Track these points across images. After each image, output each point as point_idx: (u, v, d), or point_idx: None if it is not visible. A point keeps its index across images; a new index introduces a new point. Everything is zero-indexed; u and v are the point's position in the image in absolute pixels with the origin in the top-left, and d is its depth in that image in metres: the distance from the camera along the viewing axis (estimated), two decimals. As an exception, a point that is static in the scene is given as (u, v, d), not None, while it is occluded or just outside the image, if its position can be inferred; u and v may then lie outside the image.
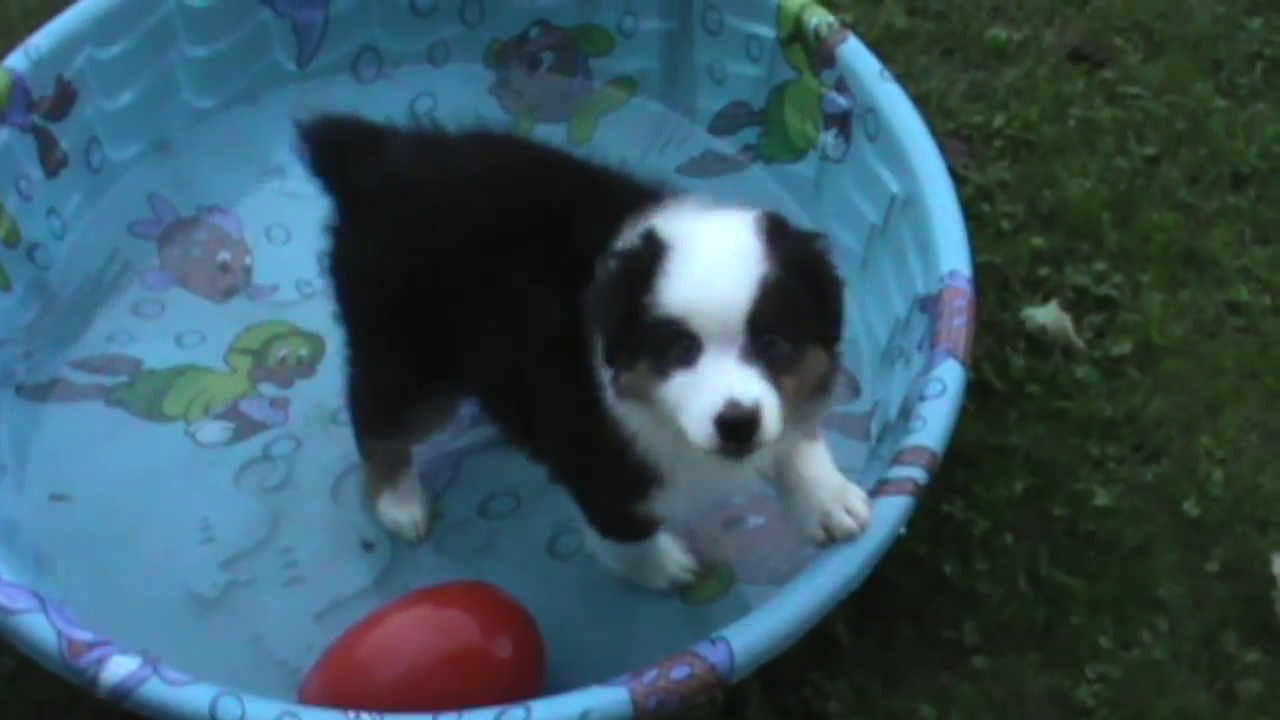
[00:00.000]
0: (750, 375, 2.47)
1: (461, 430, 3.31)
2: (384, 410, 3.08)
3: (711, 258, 2.50)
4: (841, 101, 3.53)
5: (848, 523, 2.79)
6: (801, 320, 2.53)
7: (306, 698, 2.82)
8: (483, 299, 2.79)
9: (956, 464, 3.09)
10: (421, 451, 3.26)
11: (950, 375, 3.01)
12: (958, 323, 3.08)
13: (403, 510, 3.19)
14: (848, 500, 2.81)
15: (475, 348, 2.85)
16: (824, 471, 2.82)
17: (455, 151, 2.94)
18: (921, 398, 2.99)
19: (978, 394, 3.23)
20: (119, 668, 2.65)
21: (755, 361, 2.48)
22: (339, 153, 3.02)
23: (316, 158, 3.05)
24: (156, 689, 2.64)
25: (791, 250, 2.54)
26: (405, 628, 2.91)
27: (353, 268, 2.98)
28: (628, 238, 2.59)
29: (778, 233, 2.55)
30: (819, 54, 3.57)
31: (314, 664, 2.89)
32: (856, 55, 3.53)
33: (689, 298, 2.48)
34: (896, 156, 3.37)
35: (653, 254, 2.51)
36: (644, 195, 2.74)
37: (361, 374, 3.08)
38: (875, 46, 3.65)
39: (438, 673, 2.83)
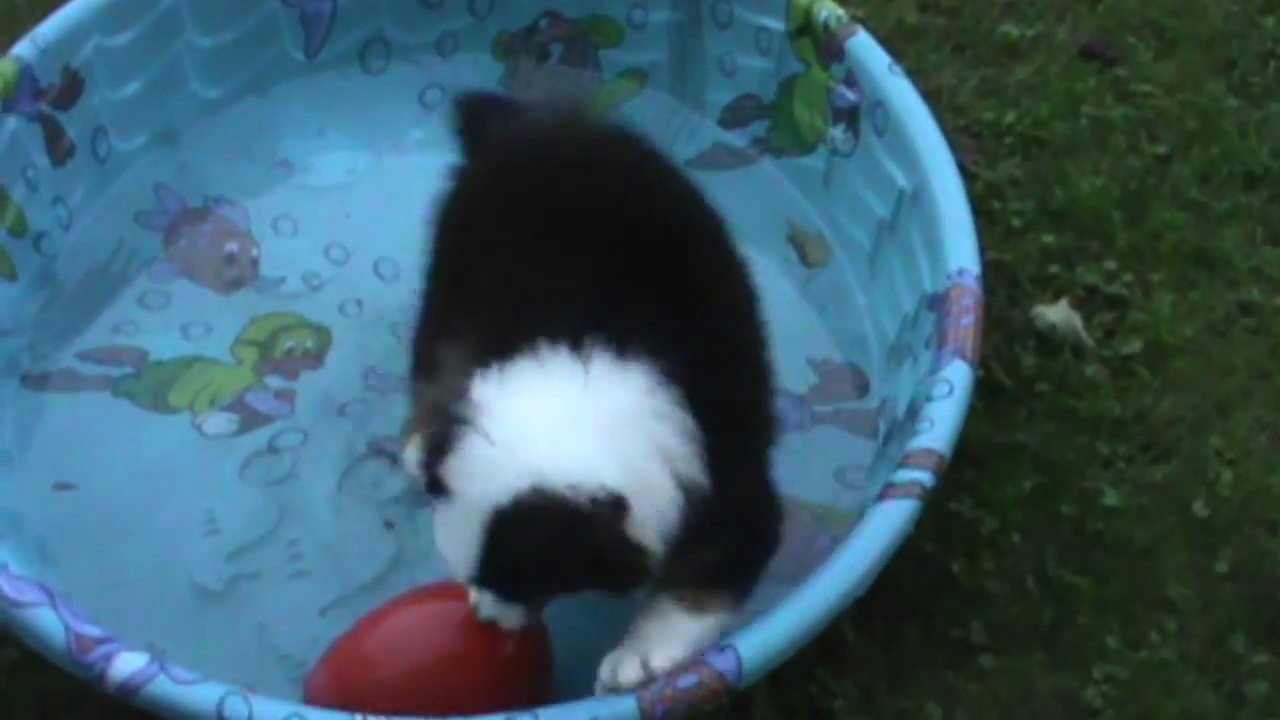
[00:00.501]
0: (486, 598, 2.65)
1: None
2: (424, 350, 3.01)
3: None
4: (850, 95, 3.51)
5: (626, 675, 2.71)
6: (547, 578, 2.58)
7: (311, 692, 2.81)
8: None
9: (964, 462, 3.07)
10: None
11: (958, 376, 2.99)
12: (965, 322, 3.07)
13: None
14: (647, 655, 2.73)
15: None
16: (659, 627, 2.76)
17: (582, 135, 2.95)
18: (929, 399, 2.98)
19: (986, 392, 3.21)
20: (126, 664, 2.64)
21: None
22: (484, 112, 3.11)
23: (463, 117, 3.12)
24: (164, 687, 2.63)
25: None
26: (411, 624, 2.89)
27: (447, 202, 2.97)
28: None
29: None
30: (828, 47, 3.55)
31: (319, 658, 2.87)
32: (865, 49, 3.52)
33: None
34: (905, 151, 3.36)
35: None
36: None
37: (420, 310, 3.05)
38: (886, 42, 3.63)
39: (442, 670, 2.81)
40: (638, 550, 2.51)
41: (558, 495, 2.47)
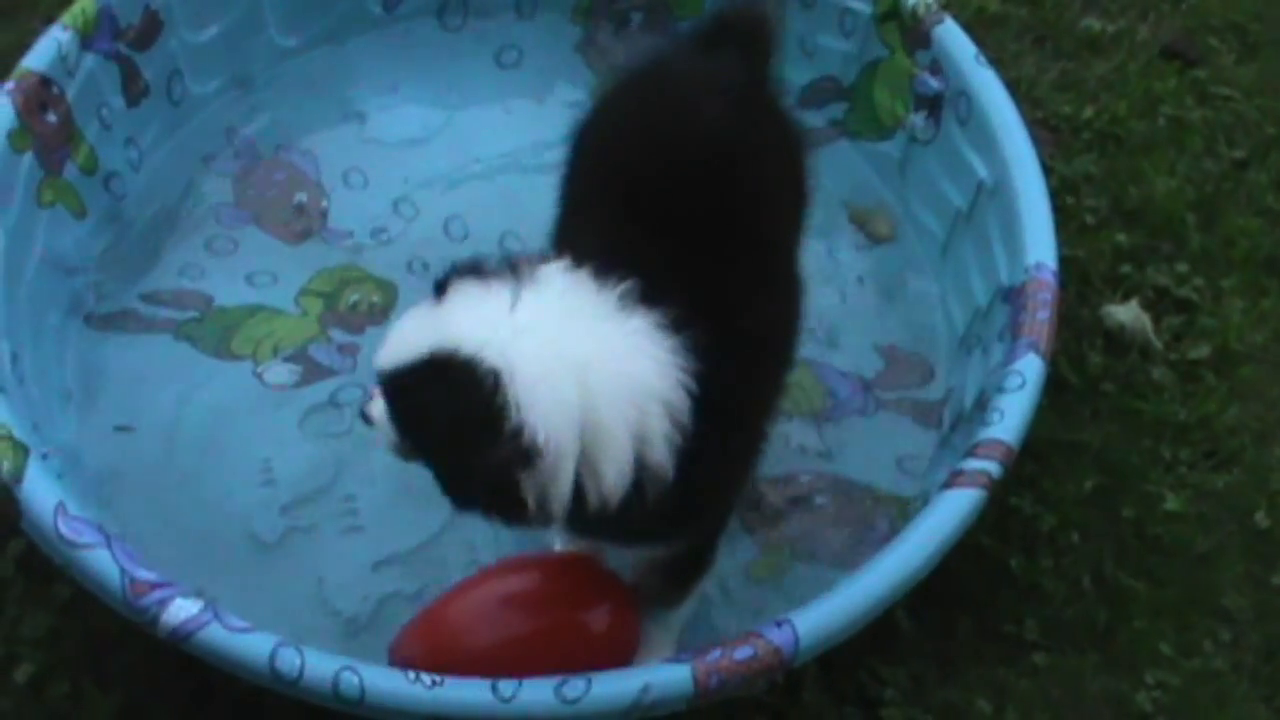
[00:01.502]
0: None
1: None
2: None
3: None
4: (934, 83, 3.48)
5: None
6: None
7: (398, 659, 2.79)
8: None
9: (1027, 457, 3.04)
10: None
11: (1031, 369, 2.97)
12: (1041, 316, 3.04)
13: None
14: None
15: None
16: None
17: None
18: (1000, 390, 2.96)
19: (1052, 388, 3.18)
20: (180, 610, 2.63)
21: None
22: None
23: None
24: (217, 634, 2.61)
25: None
26: (501, 596, 2.87)
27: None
28: None
29: None
30: (914, 34, 3.52)
31: (406, 625, 2.85)
32: (952, 38, 3.49)
33: None
34: (987, 143, 3.33)
35: None
36: None
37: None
38: (966, 29, 3.59)
39: (532, 644, 2.79)
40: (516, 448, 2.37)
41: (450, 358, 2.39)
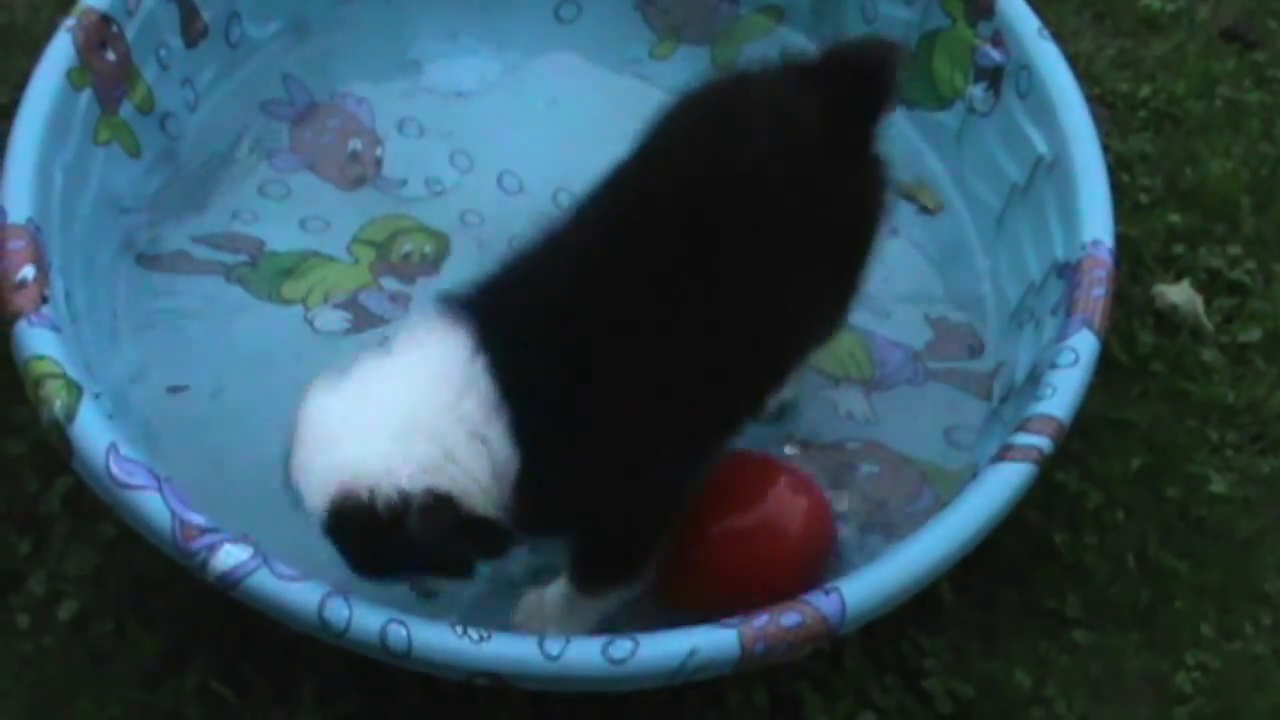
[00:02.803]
0: None
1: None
2: None
3: None
4: (995, 55, 3.46)
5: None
6: None
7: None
8: None
9: (1074, 434, 3.02)
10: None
11: (1084, 346, 2.97)
12: (1097, 293, 3.04)
13: None
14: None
15: None
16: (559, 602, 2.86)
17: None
18: (1053, 366, 2.95)
19: (1102, 366, 3.15)
20: (230, 556, 2.63)
21: None
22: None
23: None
24: (266, 581, 2.62)
25: None
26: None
27: None
28: None
29: None
30: (977, 5, 3.50)
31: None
32: (1016, 10, 3.46)
33: None
34: (1047, 117, 3.31)
35: None
36: None
37: None
38: (1028, 2, 3.57)
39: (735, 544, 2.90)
40: (456, 533, 2.57)
41: (360, 499, 2.55)
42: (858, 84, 2.83)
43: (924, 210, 3.57)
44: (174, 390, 3.22)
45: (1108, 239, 3.11)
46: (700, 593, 2.87)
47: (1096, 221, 3.14)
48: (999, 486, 2.79)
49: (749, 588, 2.77)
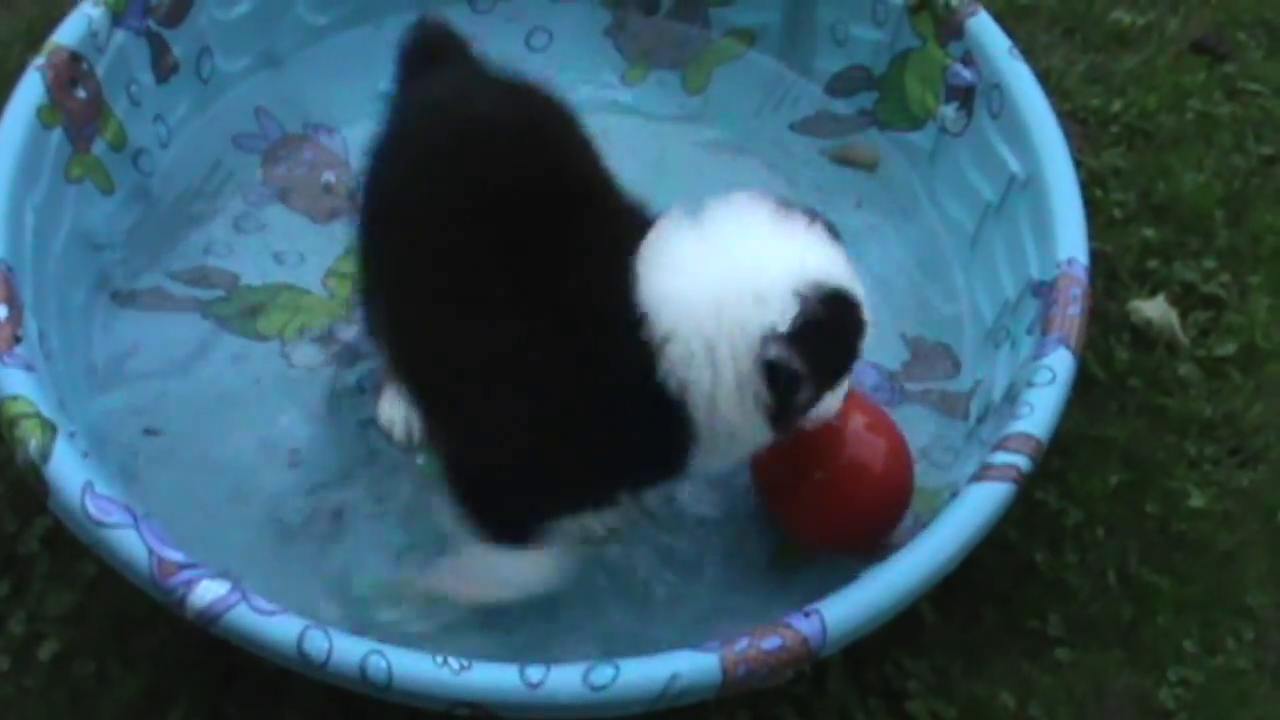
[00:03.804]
0: None
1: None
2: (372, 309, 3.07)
3: None
4: (967, 75, 3.47)
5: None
6: None
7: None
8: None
9: (1053, 451, 3.03)
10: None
11: (1061, 364, 2.97)
12: (1072, 311, 3.04)
13: (396, 409, 3.14)
14: None
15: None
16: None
17: (489, 104, 2.87)
18: (1030, 384, 2.96)
19: (1079, 383, 3.16)
20: (208, 591, 2.62)
21: None
22: (417, 57, 3.01)
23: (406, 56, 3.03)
24: (244, 616, 2.60)
25: None
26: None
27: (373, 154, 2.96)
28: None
29: None
30: (947, 25, 3.51)
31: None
32: (986, 30, 3.47)
33: None
34: (1020, 136, 3.32)
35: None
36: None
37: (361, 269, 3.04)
38: (997, 20, 3.58)
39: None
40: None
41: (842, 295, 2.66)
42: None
43: (863, 168, 3.56)
44: (150, 433, 3.20)
45: (1082, 257, 3.12)
46: (809, 531, 3.04)
47: (1071, 240, 3.15)
48: (978, 506, 2.80)
49: (846, 526, 2.95)
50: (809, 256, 2.63)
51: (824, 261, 2.64)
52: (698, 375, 2.61)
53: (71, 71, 3.32)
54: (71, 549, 2.89)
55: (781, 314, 2.58)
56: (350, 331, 3.36)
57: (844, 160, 3.65)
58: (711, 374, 2.61)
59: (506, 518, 2.85)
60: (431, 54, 3.02)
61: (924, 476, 3.17)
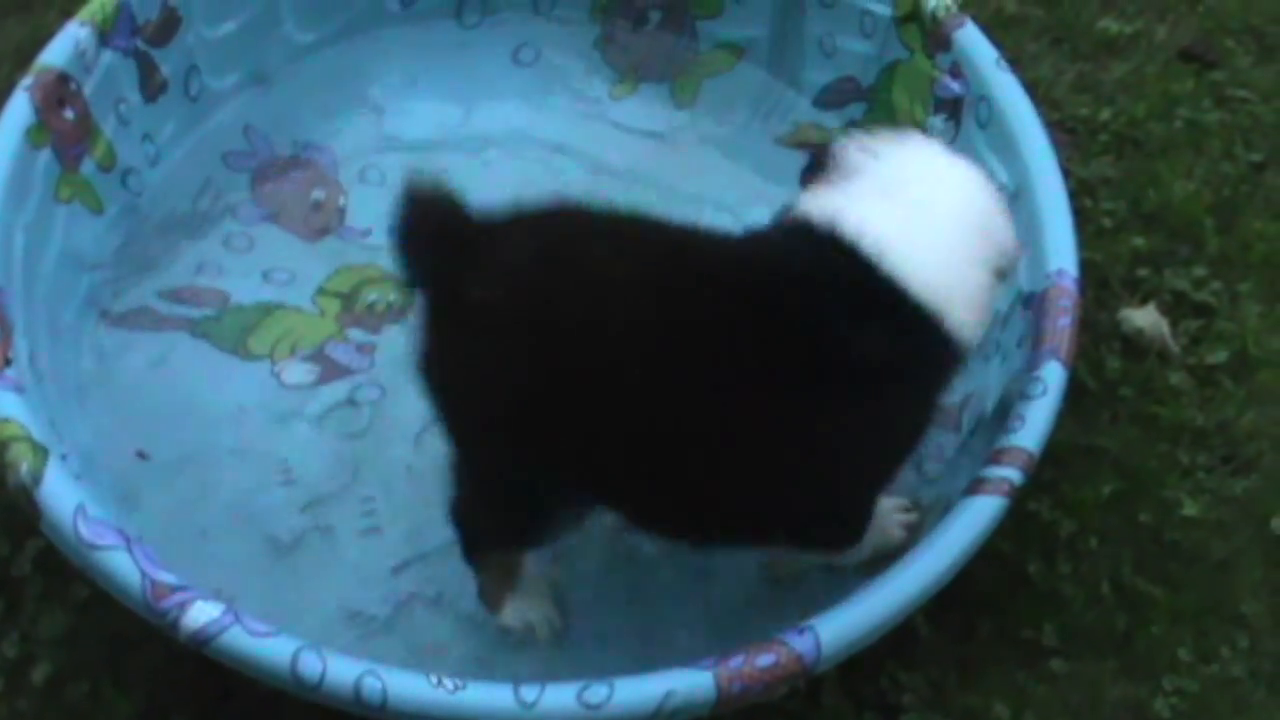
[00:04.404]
0: None
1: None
2: (516, 522, 2.88)
3: None
4: (955, 86, 3.47)
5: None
6: None
7: None
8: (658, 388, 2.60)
9: (1045, 462, 3.02)
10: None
11: (1052, 376, 2.97)
12: (1063, 323, 3.04)
13: (534, 610, 3.00)
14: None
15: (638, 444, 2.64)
16: None
17: (578, 244, 2.68)
18: (1021, 396, 2.96)
19: (1070, 392, 3.15)
20: (201, 614, 2.61)
21: None
22: (441, 253, 2.70)
23: (414, 261, 2.73)
24: (238, 638, 2.60)
25: None
26: None
27: (470, 380, 2.69)
28: None
29: None
30: (934, 36, 3.51)
31: None
32: (973, 41, 3.47)
33: None
34: (1008, 147, 3.32)
35: None
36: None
37: (482, 488, 2.84)
38: (985, 30, 3.57)
39: None
40: None
41: None
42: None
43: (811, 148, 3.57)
44: (141, 455, 3.19)
45: (1072, 268, 3.12)
46: None
47: (1060, 251, 3.15)
48: (972, 521, 2.80)
49: None
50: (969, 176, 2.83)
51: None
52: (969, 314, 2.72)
53: (59, 91, 3.32)
54: (64, 570, 2.88)
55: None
56: (340, 349, 3.35)
57: (803, 145, 3.64)
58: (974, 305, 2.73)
59: (859, 528, 2.89)
60: (433, 227, 2.75)
61: (917, 489, 3.17)
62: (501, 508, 2.84)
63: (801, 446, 2.64)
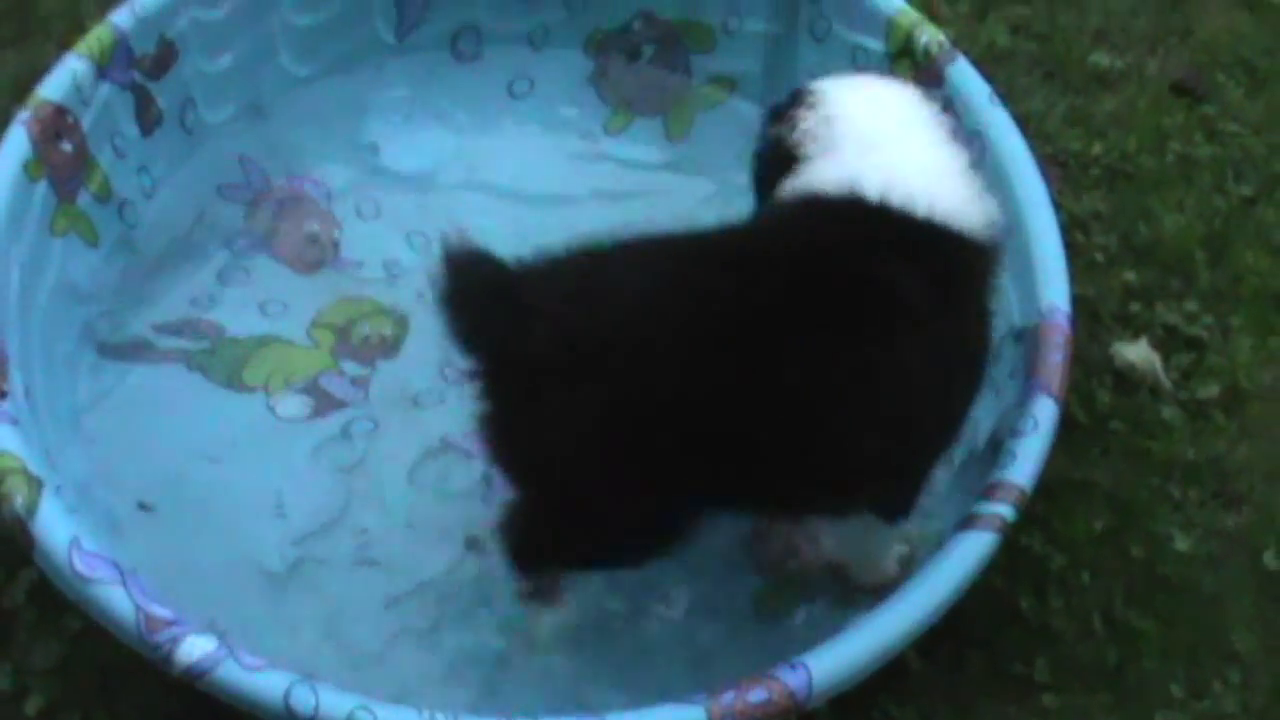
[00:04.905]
0: None
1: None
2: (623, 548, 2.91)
3: None
4: (947, 123, 3.46)
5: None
6: None
7: None
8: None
9: (1037, 496, 3.04)
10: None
11: (1044, 412, 2.99)
12: (1054, 358, 3.06)
13: (554, 614, 3.04)
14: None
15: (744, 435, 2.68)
16: None
17: (608, 276, 2.73)
18: (1013, 432, 2.97)
19: (1062, 427, 3.17)
20: (195, 647, 2.62)
21: None
22: (492, 315, 2.71)
23: (466, 329, 2.72)
24: (231, 672, 2.61)
25: None
26: None
27: (553, 438, 2.68)
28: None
29: None
30: (927, 72, 3.51)
31: None
32: (965, 77, 3.49)
33: None
34: (1001, 184, 3.30)
35: None
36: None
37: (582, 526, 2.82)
38: (977, 64, 3.59)
39: None
40: None
41: None
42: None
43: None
44: (141, 505, 3.20)
45: (1064, 304, 3.14)
46: None
47: (1052, 286, 3.17)
48: (964, 557, 2.81)
49: None
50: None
51: None
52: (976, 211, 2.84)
53: (56, 125, 3.34)
54: (58, 602, 2.88)
55: None
56: (334, 381, 3.35)
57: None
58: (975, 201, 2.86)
59: (919, 490, 2.98)
60: (478, 292, 2.75)
61: (908, 523, 3.17)
62: (598, 537, 2.86)
63: (897, 387, 2.71)
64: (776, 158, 2.91)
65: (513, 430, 2.74)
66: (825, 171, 2.79)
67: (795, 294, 2.66)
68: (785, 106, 2.96)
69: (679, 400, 2.62)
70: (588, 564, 2.97)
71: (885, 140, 2.81)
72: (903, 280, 2.67)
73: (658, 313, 2.65)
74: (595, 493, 2.72)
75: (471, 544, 3.14)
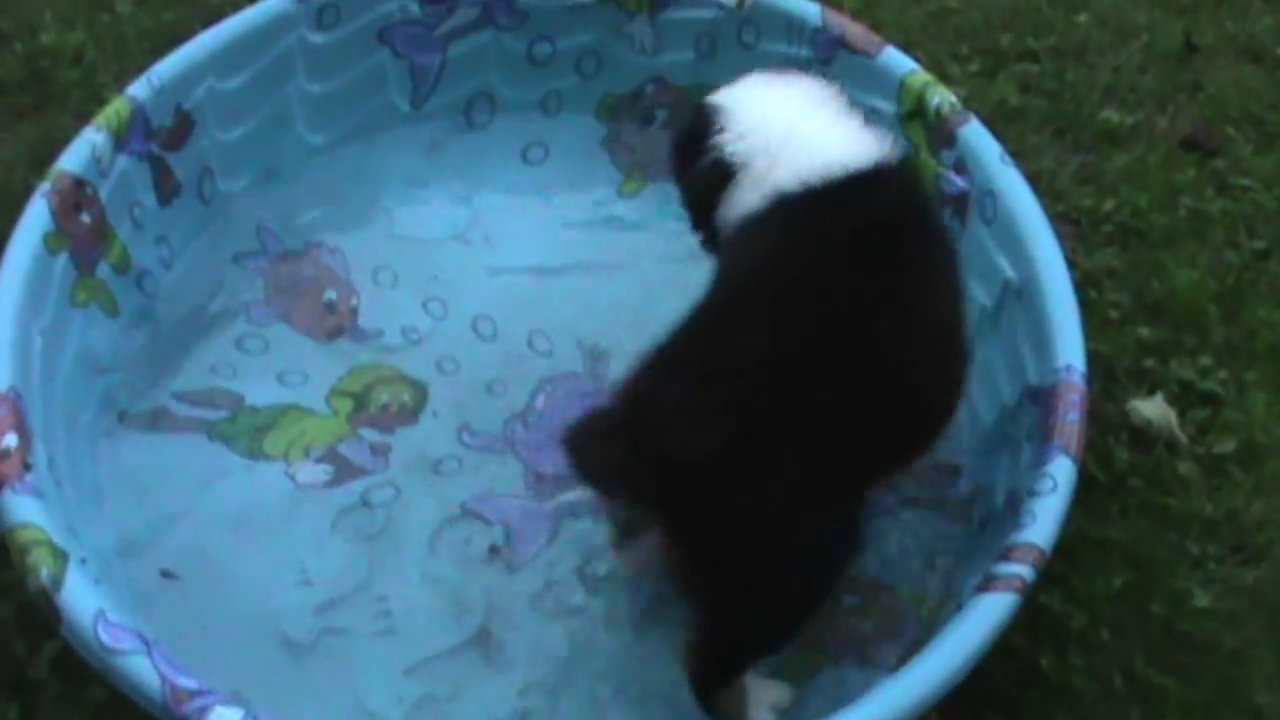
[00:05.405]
0: None
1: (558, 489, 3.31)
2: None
3: None
4: (960, 182, 3.50)
5: None
6: None
7: None
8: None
9: (1055, 555, 3.03)
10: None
11: (1062, 472, 2.99)
12: (1071, 418, 3.06)
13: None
14: None
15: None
16: None
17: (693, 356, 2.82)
18: (1031, 493, 2.97)
19: (1080, 485, 3.17)
20: (222, 719, 2.63)
21: None
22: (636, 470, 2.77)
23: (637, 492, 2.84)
24: (258, 743, 2.62)
25: None
26: None
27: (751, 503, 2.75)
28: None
29: None
30: (939, 133, 3.54)
31: None
32: (978, 137, 3.50)
33: None
34: (1014, 242, 3.34)
35: None
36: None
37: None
38: (987, 123, 3.61)
39: None
40: None
41: None
42: None
43: None
44: (165, 573, 3.21)
45: (1080, 363, 3.14)
46: None
47: (1068, 346, 3.17)
48: (984, 619, 2.81)
49: None
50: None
51: None
52: None
53: (76, 197, 3.37)
54: (81, 673, 2.90)
55: None
56: (354, 448, 3.37)
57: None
58: None
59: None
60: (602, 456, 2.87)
61: (927, 582, 3.20)
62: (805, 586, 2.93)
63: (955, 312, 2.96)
64: (713, 180, 2.99)
65: (719, 531, 2.78)
66: (772, 171, 2.92)
67: (857, 269, 2.80)
68: (699, 130, 3.04)
69: (827, 411, 2.73)
70: (788, 634, 3.01)
71: (808, 122, 2.98)
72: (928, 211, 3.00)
73: (770, 353, 2.73)
74: (807, 540, 2.80)
75: (483, 637, 3.15)
